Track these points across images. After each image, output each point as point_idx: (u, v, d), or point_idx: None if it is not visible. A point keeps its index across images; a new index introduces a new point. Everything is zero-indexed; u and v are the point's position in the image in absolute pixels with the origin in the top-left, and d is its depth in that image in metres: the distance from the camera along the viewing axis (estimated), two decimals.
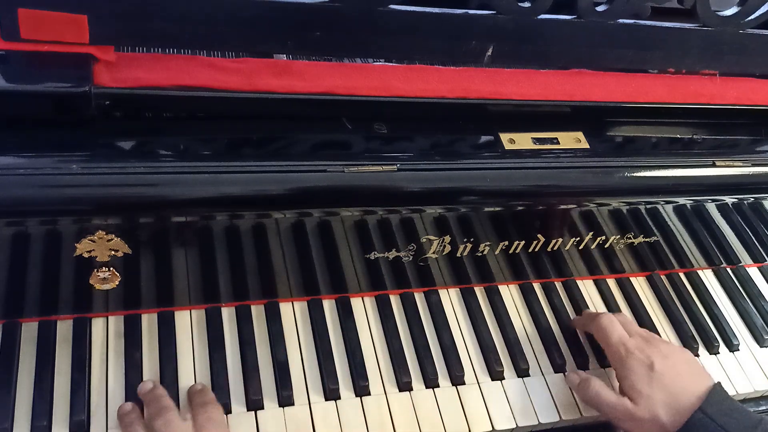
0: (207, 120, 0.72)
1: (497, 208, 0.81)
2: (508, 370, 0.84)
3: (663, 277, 1.01)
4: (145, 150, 0.67)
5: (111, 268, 0.72)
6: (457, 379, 0.82)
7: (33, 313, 0.76)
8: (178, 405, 0.72)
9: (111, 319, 0.78)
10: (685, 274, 1.02)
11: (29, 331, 0.75)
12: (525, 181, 0.78)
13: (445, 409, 0.79)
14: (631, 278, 0.99)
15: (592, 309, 0.93)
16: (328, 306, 0.85)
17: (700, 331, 0.95)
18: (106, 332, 0.77)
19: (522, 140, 0.79)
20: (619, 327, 0.82)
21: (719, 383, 0.76)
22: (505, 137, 0.78)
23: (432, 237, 0.81)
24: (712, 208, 0.93)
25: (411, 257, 0.83)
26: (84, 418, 0.70)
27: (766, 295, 1.03)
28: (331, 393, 0.77)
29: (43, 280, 0.73)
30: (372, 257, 0.82)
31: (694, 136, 0.87)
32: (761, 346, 0.96)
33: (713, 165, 0.84)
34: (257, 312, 0.83)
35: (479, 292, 0.92)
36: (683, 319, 0.96)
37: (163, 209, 0.68)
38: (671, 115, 0.87)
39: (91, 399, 0.72)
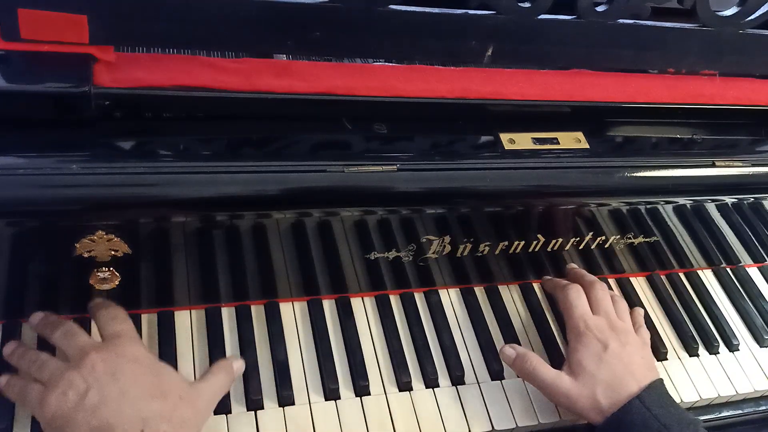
0: (207, 120, 0.71)
1: (497, 208, 0.81)
2: (509, 369, 0.84)
3: (663, 277, 1.01)
4: (145, 150, 0.67)
5: (111, 268, 0.72)
6: (457, 379, 0.82)
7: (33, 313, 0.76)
8: None
9: None
10: (685, 274, 1.02)
11: (29, 331, 0.75)
12: (525, 182, 0.78)
13: (445, 409, 0.79)
14: (631, 278, 0.99)
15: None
16: (328, 306, 0.85)
17: (699, 331, 0.95)
18: None
19: (522, 140, 0.78)
20: (584, 302, 0.83)
21: (661, 379, 0.77)
22: (504, 137, 0.78)
23: (432, 237, 0.81)
24: (712, 208, 0.93)
25: (411, 257, 0.83)
26: None
27: (766, 295, 1.03)
28: (331, 393, 0.77)
29: (43, 281, 0.73)
30: (372, 257, 0.82)
31: (694, 136, 0.87)
32: (761, 346, 0.96)
33: (713, 165, 0.84)
34: (257, 312, 0.83)
35: (479, 292, 0.92)
36: (683, 319, 0.96)
37: (162, 209, 0.68)
38: (671, 116, 0.87)
39: None
